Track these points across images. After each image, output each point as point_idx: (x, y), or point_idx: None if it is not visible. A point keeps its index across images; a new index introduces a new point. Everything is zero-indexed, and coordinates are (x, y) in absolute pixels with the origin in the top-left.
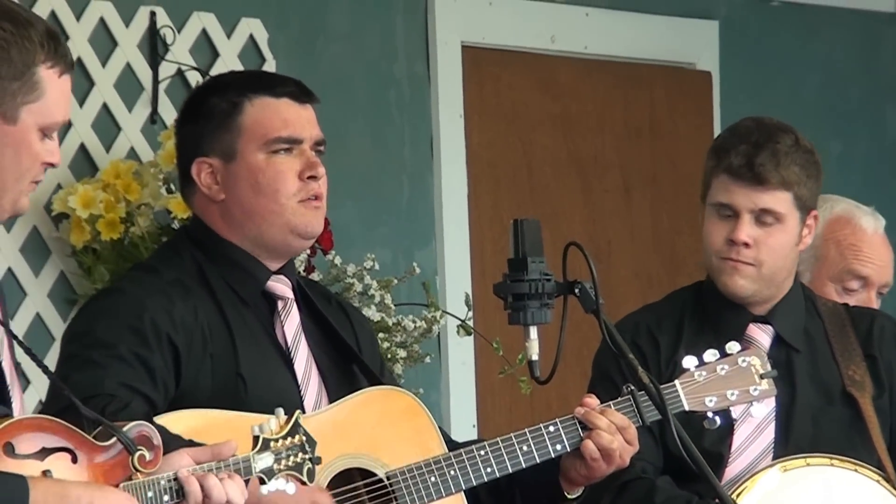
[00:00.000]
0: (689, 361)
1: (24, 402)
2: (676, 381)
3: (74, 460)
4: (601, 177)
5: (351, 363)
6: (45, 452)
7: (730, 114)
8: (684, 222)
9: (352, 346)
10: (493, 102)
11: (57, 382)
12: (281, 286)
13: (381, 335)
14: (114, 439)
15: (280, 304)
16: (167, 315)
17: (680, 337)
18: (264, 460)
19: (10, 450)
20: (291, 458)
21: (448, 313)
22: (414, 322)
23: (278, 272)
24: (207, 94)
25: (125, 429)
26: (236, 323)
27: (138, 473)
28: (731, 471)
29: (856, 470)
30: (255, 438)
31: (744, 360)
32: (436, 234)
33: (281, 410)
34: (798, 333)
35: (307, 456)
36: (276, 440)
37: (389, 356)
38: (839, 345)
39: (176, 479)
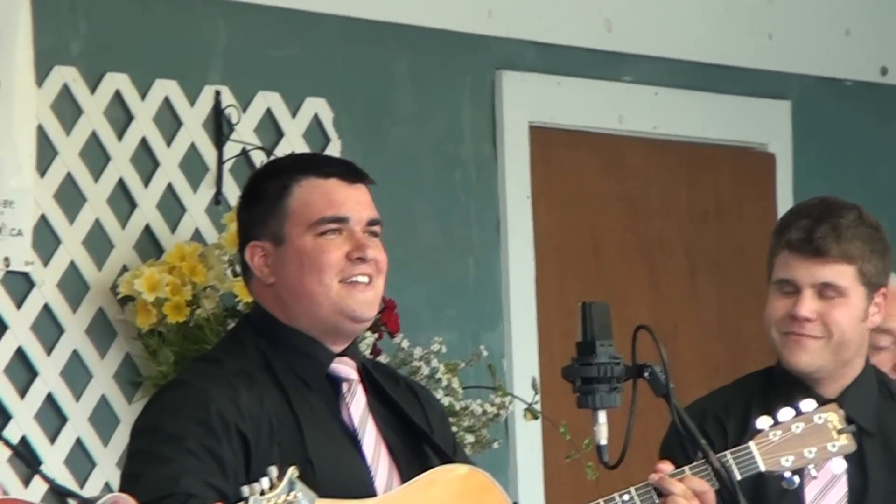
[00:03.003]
0: (763, 422)
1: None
2: (751, 443)
3: None
4: (666, 260)
5: (422, 443)
6: None
7: (802, 196)
8: (750, 307)
9: (421, 426)
10: (560, 184)
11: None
12: (345, 368)
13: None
14: None
15: (345, 387)
16: (233, 404)
17: (747, 423)
18: None
19: None
20: None
21: (515, 396)
22: (482, 407)
23: (342, 354)
24: (261, 179)
25: (100, 501)
26: (302, 409)
27: None
28: None
29: None
30: (244, 500)
31: (819, 417)
32: (503, 317)
33: (273, 468)
34: (870, 416)
35: None
36: (268, 499)
37: (458, 441)
38: None
39: None
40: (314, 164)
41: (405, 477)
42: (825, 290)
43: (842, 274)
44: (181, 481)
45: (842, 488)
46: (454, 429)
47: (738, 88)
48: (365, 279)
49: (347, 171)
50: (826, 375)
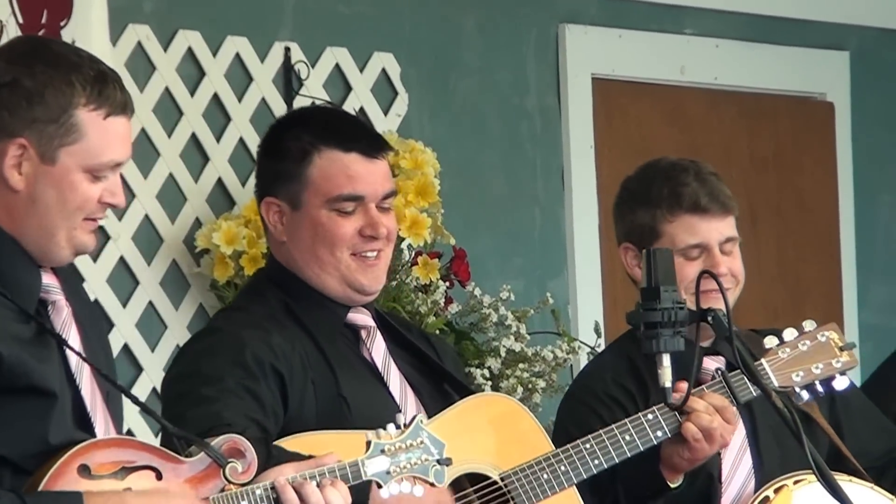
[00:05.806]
0: (770, 341)
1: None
2: (763, 360)
3: (159, 477)
4: None
5: (442, 382)
6: (125, 471)
7: (862, 145)
8: (810, 252)
9: (440, 364)
10: (623, 134)
11: (141, 405)
12: (361, 316)
13: (520, 366)
14: (201, 454)
15: (363, 333)
16: (266, 345)
17: (642, 378)
18: (376, 464)
19: (85, 471)
20: (413, 460)
21: (580, 341)
22: (553, 353)
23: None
24: (282, 134)
25: (214, 442)
26: (330, 349)
27: (230, 485)
28: (727, 497)
29: (850, 481)
30: (368, 443)
31: (822, 335)
32: (567, 265)
33: (401, 416)
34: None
35: (432, 458)
36: (393, 444)
37: (529, 386)
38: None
39: (273, 487)
40: (337, 135)
41: (430, 413)
42: (726, 244)
43: (733, 224)
44: (223, 415)
45: (741, 430)
46: (526, 374)
47: (798, 40)
48: (374, 254)
49: (368, 146)
50: None
